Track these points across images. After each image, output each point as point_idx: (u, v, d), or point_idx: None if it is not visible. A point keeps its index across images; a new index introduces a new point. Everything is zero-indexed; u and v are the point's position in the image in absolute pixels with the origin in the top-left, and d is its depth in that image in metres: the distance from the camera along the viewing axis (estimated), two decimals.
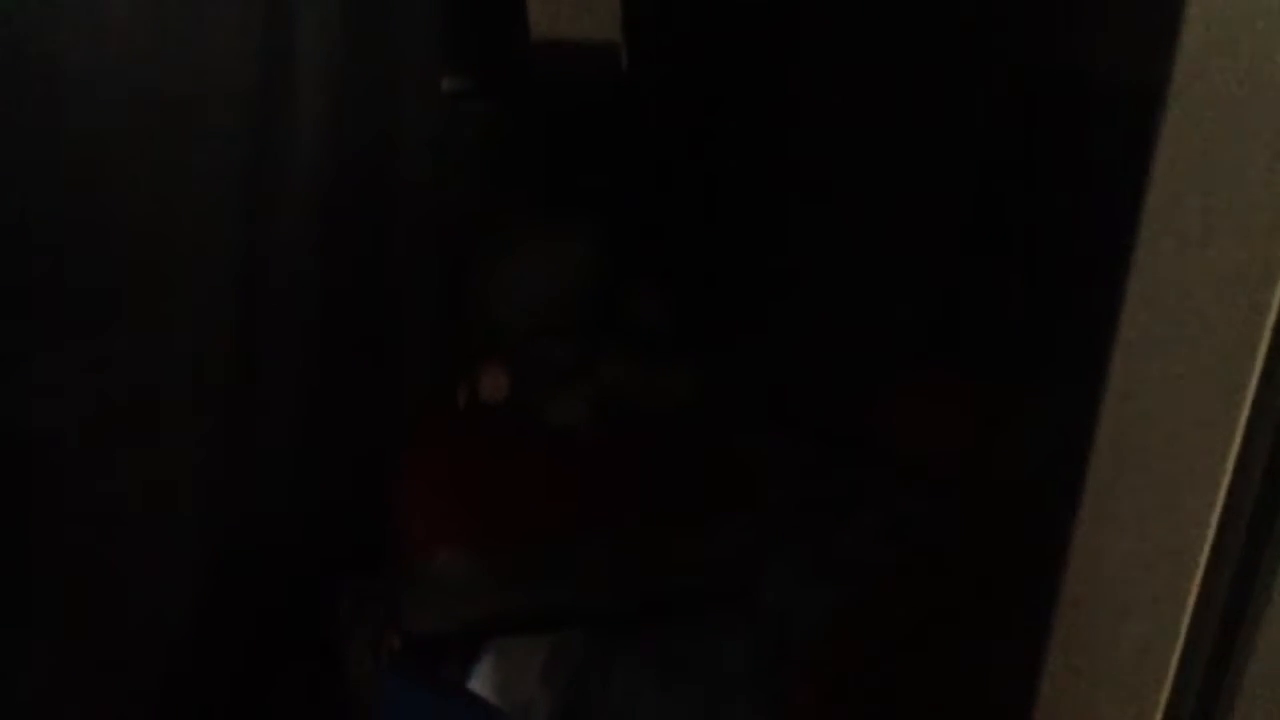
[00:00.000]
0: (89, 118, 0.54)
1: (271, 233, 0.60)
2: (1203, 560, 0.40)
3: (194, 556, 0.65)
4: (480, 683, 0.71)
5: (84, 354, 0.56)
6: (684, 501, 0.75)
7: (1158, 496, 0.40)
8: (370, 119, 0.63)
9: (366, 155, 0.64)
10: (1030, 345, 0.70)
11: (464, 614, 0.72)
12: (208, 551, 0.65)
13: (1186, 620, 0.41)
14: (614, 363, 0.78)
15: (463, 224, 0.72)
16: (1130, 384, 0.39)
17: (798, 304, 0.79)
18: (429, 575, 0.72)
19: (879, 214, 0.75)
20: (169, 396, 0.60)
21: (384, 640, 0.70)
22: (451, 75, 0.71)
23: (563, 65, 0.72)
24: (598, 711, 0.71)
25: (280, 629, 0.66)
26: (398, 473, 0.72)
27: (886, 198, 0.74)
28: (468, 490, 0.73)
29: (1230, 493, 0.39)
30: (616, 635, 0.72)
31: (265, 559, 0.67)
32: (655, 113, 0.75)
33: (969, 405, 0.74)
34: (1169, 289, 0.38)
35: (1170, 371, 0.39)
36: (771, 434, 0.78)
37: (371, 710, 0.68)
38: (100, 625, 0.63)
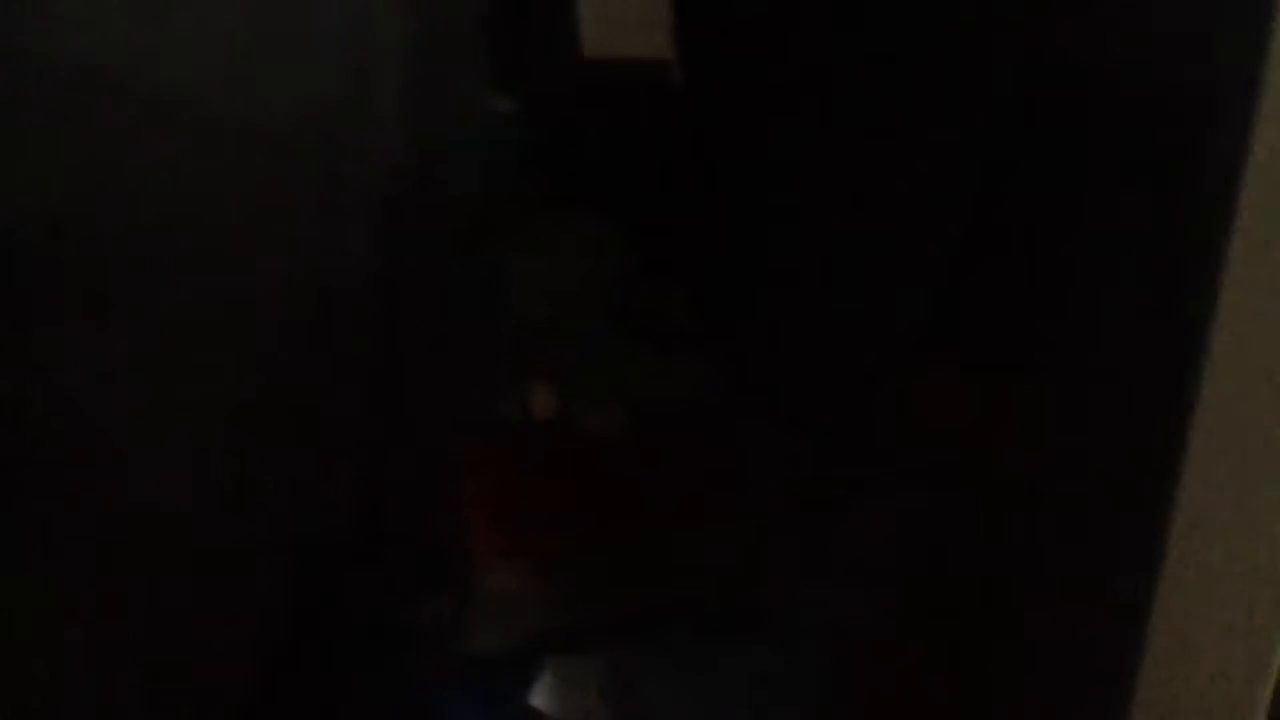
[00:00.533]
0: (169, 132, 0.54)
1: (338, 245, 0.60)
2: None
3: (252, 579, 0.65)
4: (539, 697, 0.71)
5: (155, 346, 0.56)
6: (720, 507, 0.75)
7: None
8: (432, 138, 0.63)
9: (425, 171, 0.64)
10: (1039, 340, 0.70)
11: (521, 630, 0.72)
12: (265, 571, 0.65)
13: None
14: (644, 365, 0.78)
15: (499, 232, 0.72)
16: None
17: (815, 301, 0.78)
18: (486, 592, 0.72)
19: (892, 207, 0.75)
20: (226, 408, 0.60)
21: (444, 661, 0.70)
22: (501, 95, 0.71)
23: (613, 84, 0.72)
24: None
25: (339, 647, 0.66)
26: (453, 490, 0.72)
27: (900, 192, 0.74)
28: (521, 506, 0.74)
29: None
30: (673, 648, 0.72)
31: (322, 579, 0.67)
32: (698, 124, 0.76)
33: (994, 400, 0.74)
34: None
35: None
36: (796, 431, 0.78)
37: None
38: (161, 649, 0.63)
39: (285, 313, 0.61)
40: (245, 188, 0.57)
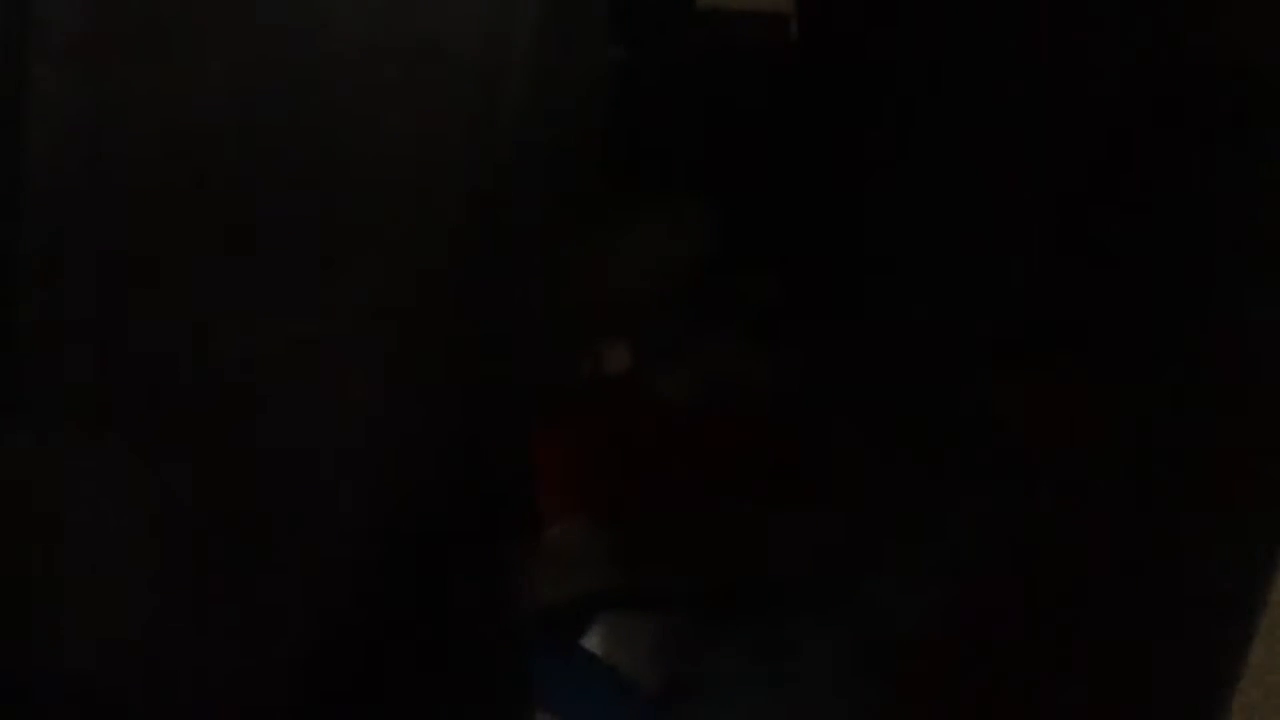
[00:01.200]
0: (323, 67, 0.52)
1: (486, 184, 0.59)
2: None
3: (324, 521, 0.64)
4: (591, 647, 0.71)
5: (265, 299, 0.55)
6: (788, 487, 0.74)
7: None
8: (561, 79, 0.62)
9: (562, 123, 0.63)
10: (1136, 342, 0.69)
11: (578, 585, 0.72)
12: (338, 517, 0.64)
13: None
14: (726, 340, 0.77)
15: (586, 197, 0.71)
16: None
17: (902, 289, 0.77)
18: (546, 547, 0.71)
19: (992, 201, 0.73)
20: (331, 354, 0.59)
21: (503, 611, 0.70)
22: (613, 44, 0.68)
23: (728, 35, 0.70)
24: (702, 693, 0.72)
25: (407, 597, 0.66)
26: (523, 445, 0.71)
27: (1003, 184, 0.73)
28: (587, 463, 0.73)
29: None
30: (725, 619, 0.72)
31: (393, 528, 0.67)
32: (812, 88, 0.73)
33: (1069, 400, 0.73)
34: None
35: None
36: (868, 422, 0.77)
37: (500, 676, 0.68)
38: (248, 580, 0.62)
39: (386, 254, 0.60)
40: (382, 113, 0.56)
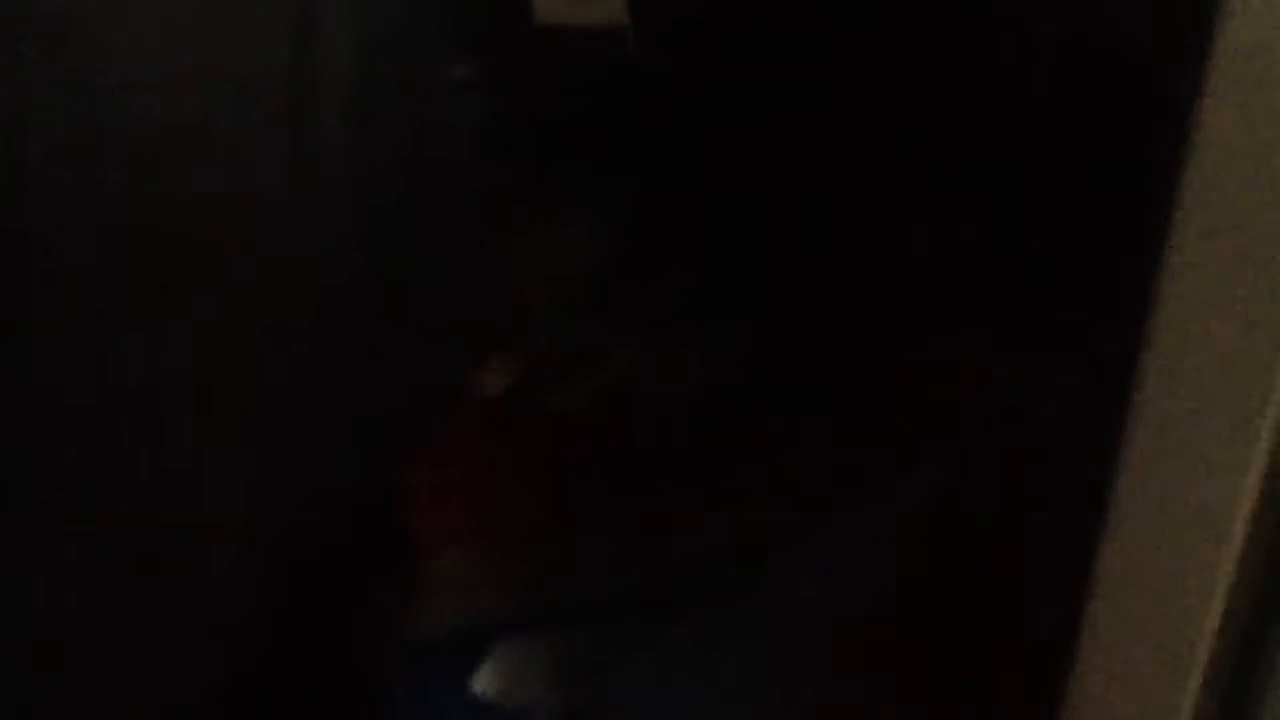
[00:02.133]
0: (121, 108, 0.53)
1: (295, 224, 0.59)
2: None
3: (207, 553, 0.64)
4: (484, 682, 0.70)
5: (96, 343, 0.55)
6: (692, 489, 0.74)
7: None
8: (390, 111, 0.62)
9: (387, 147, 0.63)
10: (1043, 323, 0.68)
11: (468, 613, 0.71)
12: (221, 547, 0.64)
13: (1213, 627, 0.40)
14: (622, 347, 0.77)
15: (469, 210, 0.71)
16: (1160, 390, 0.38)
17: (805, 284, 0.77)
18: (434, 574, 0.71)
19: (889, 197, 0.74)
20: (179, 390, 0.59)
21: (391, 640, 0.69)
22: (455, 64, 0.69)
23: (568, 51, 0.71)
24: (604, 712, 0.71)
25: (292, 628, 0.65)
26: (408, 468, 0.71)
27: (900, 180, 0.73)
28: (472, 485, 0.72)
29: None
30: (624, 633, 0.71)
31: (278, 557, 0.66)
32: (664, 95, 0.74)
33: (979, 384, 0.73)
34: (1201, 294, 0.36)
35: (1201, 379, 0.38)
36: (780, 417, 0.77)
37: (380, 711, 0.67)
38: (108, 621, 0.62)
39: (232, 288, 0.60)
40: (200, 169, 0.56)
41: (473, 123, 0.71)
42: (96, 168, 0.53)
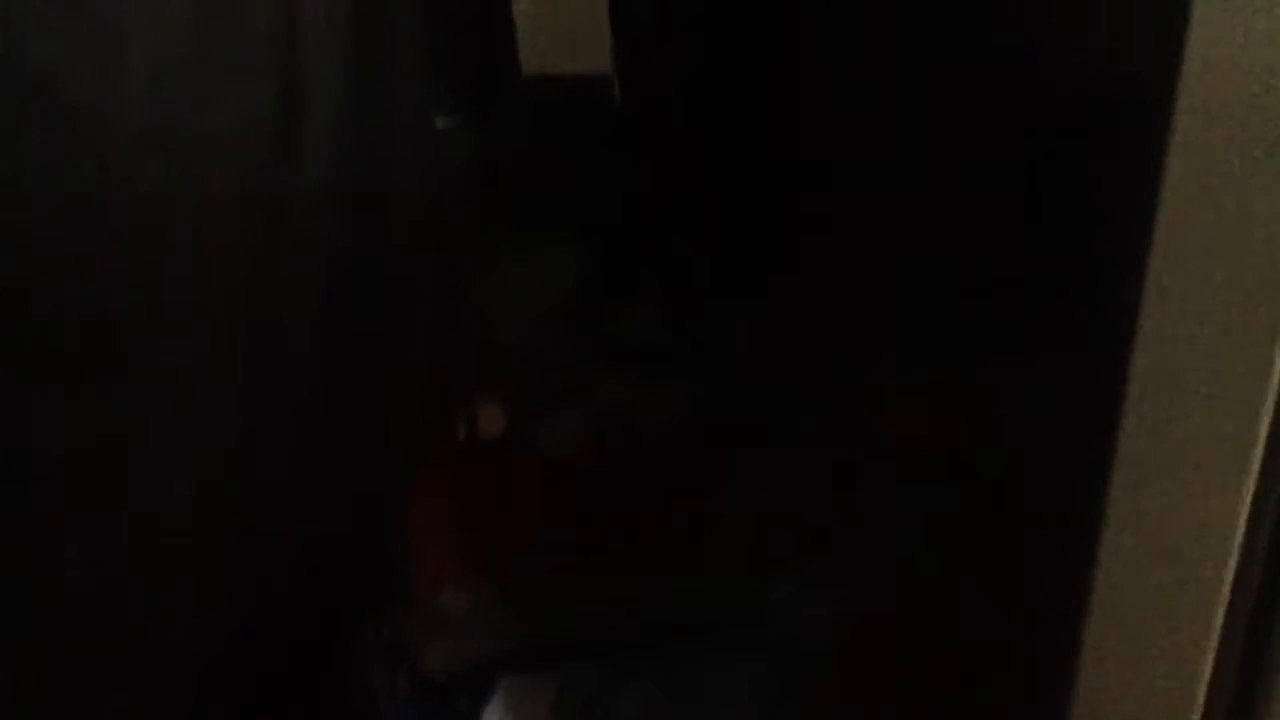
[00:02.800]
0: (102, 156, 0.54)
1: (277, 269, 0.60)
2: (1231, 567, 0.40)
3: (203, 595, 0.64)
4: (493, 716, 0.70)
5: (88, 385, 0.56)
6: (684, 521, 0.75)
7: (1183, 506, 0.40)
8: (370, 157, 0.63)
9: (367, 191, 0.64)
10: (1021, 343, 0.70)
11: (472, 651, 0.71)
12: (218, 589, 0.64)
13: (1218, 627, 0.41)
14: (609, 382, 0.78)
15: (455, 250, 0.72)
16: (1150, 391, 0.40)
17: (789, 314, 0.78)
18: (436, 613, 0.71)
19: (867, 227, 0.75)
20: (170, 430, 0.60)
21: (396, 680, 0.69)
22: (444, 113, 0.71)
23: (555, 99, 0.72)
24: None
25: (293, 669, 0.66)
26: (403, 510, 0.72)
27: (876, 209, 0.74)
28: (470, 526, 0.73)
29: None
30: (624, 665, 0.72)
31: (275, 599, 0.67)
32: (648, 138, 0.76)
33: (963, 407, 0.74)
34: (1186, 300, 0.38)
35: (1190, 381, 0.39)
36: (769, 446, 0.78)
37: None
38: (105, 663, 0.62)
39: (215, 330, 0.61)
40: (174, 200, 0.57)
41: (458, 164, 0.72)
42: (85, 225, 0.54)
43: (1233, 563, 0.40)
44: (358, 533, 0.69)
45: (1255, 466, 0.39)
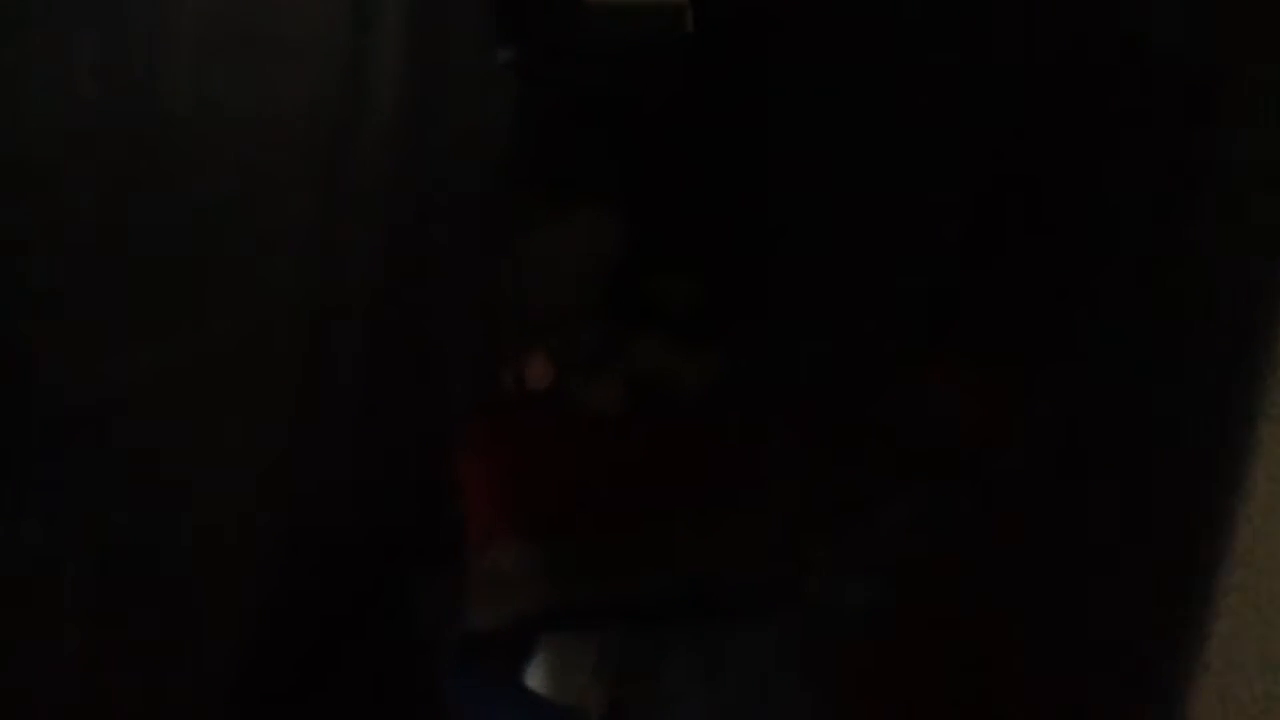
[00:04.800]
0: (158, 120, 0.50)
1: (339, 222, 0.57)
2: None
3: (250, 550, 0.62)
4: (533, 679, 0.69)
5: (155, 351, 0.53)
6: (724, 490, 0.73)
7: None
8: (436, 103, 0.59)
9: (433, 141, 0.60)
10: (1047, 333, 0.67)
11: (517, 608, 0.70)
12: (265, 545, 0.62)
13: None
14: (649, 345, 0.75)
15: (498, 206, 0.68)
16: None
17: (825, 286, 0.76)
18: (481, 570, 0.69)
19: (903, 194, 0.72)
20: (229, 388, 0.57)
21: (439, 637, 0.68)
22: (496, 46, 0.66)
23: (620, 30, 0.67)
24: (649, 707, 0.70)
25: (340, 624, 0.64)
26: (449, 466, 0.69)
27: (915, 177, 0.71)
28: (515, 482, 0.71)
29: None
30: (666, 630, 0.71)
31: (323, 553, 0.65)
32: (715, 87, 0.71)
33: (993, 393, 0.72)
34: None
35: None
36: (801, 420, 0.76)
37: (431, 704, 0.66)
38: (150, 616, 0.61)
39: (275, 284, 0.58)
40: (243, 160, 0.54)
41: (508, 113, 0.68)
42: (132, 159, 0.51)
43: None
44: (407, 490, 0.67)
45: None
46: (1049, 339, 0.68)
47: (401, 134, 0.58)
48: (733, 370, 0.75)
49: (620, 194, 0.73)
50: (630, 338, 0.73)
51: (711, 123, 0.72)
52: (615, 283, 0.74)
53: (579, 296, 0.73)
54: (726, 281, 0.75)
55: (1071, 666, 0.58)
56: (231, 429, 0.59)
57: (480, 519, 0.70)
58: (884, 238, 0.72)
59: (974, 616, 0.67)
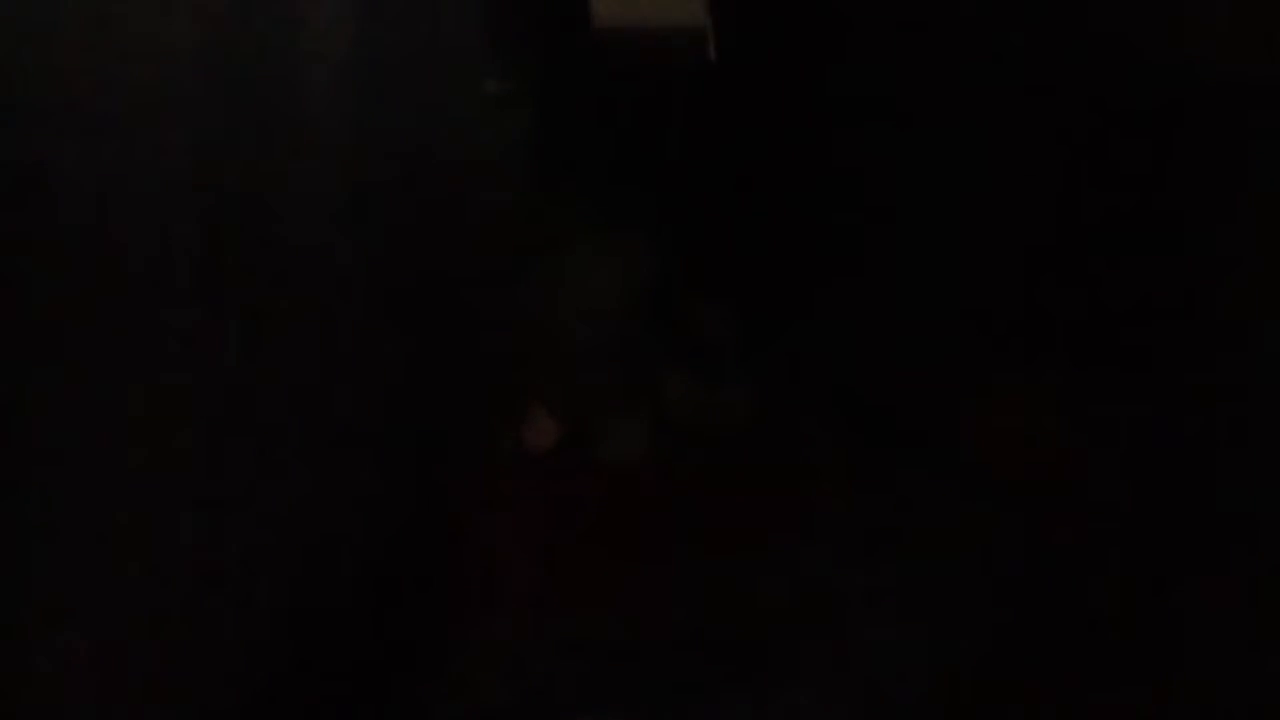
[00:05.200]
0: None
1: (309, 258, 0.53)
2: None
3: (243, 632, 0.59)
4: None
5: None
6: (757, 534, 0.67)
7: None
8: (405, 127, 0.53)
9: (403, 167, 0.54)
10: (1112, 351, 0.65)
11: (530, 685, 0.65)
12: (261, 621, 0.59)
13: None
14: (676, 381, 0.69)
15: (508, 239, 0.61)
16: None
17: (860, 312, 0.70)
18: (492, 645, 0.64)
19: (947, 224, 0.66)
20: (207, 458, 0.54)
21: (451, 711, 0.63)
22: (497, 76, 0.58)
23: (634, 57, 0.59)
24: None
25: (349, 697, 0.60)
26: (456, 536, 0.64)
27: (956, 205, 0.65)
28: (526, 552, 0.65)
29: None
30: (698, 692, 0.66)
31: (327, 622, 0.61)
32: (737, 110, 0.63)
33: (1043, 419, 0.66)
34: None
35: None
36: (841, 449, 0.70)
37: None
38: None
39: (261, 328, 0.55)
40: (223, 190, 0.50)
41: (508, 144, 0.60)
42: None
43: None
44: (416, 555, 0.62)
45: None
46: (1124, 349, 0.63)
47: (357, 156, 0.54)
48: (763, 401, 0.70)
49: (648, 224, 0.66)
50: (658, 374, 0.67)
51: (740, 128, 0.65)
52: (643, 317, 0.67)
53: (603, 332, 0.66)
54: (761, 308, 0.69)
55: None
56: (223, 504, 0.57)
57: (488, 593, 0.64)
58: (920, 263, 0.66)
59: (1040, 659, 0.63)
